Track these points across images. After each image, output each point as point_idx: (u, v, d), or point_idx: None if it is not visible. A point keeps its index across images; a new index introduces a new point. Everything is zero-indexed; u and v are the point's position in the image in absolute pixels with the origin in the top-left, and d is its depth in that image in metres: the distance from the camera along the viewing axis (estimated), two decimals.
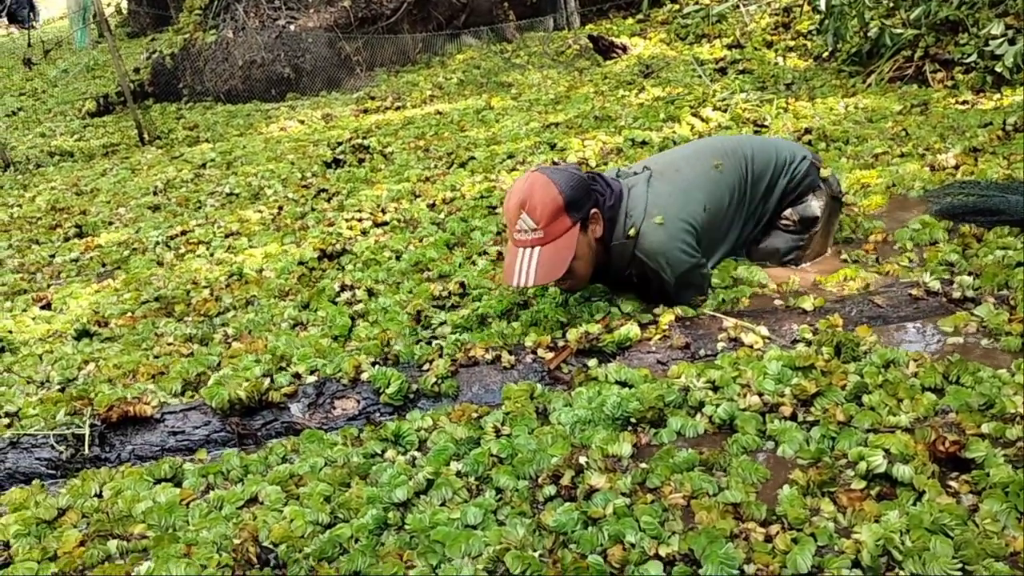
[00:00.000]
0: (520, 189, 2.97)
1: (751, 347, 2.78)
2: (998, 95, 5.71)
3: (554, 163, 5.03)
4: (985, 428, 2.18)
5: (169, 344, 3.48)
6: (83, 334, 3.71)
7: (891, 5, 6.89)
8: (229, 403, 2.73)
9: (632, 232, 3.05)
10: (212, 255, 4.63)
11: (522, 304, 3.37)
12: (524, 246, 2.97)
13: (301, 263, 4.19)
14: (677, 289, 3.10)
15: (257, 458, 2.56)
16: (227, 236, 4.94)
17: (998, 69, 5.80)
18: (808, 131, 5.21)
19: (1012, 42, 5.81)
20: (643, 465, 2.25)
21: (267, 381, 2.82)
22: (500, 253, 3.96)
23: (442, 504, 2.23)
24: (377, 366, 2.90)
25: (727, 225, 3.33)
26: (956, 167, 4.28)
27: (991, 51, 5.90)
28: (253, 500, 2.36)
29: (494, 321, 3.25)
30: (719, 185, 3.22)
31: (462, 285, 3.59)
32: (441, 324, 3.30)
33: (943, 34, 6.53)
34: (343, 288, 3.80)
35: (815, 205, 3.41)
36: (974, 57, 6.04)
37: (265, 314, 3.67)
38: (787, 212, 3.43)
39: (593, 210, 3.03)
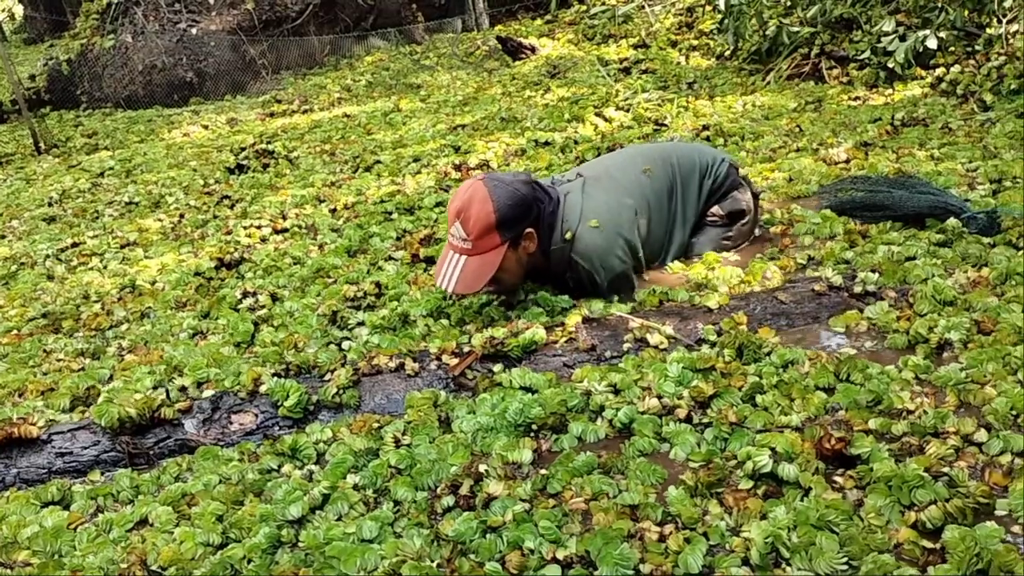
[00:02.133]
0: (461, 196, 3.03)
1: (656, 348, 2.79)
2: (891, 90, 5.89)
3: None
4: (872, 424, 2.22)
5: (59, 360, 3.34)
6: None
7: (788, 4, 7.07)
8: (119, 421, 2.62)
9: (568, 235, 3.14)
10: (105, 267, 4.48)
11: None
12: (454, 251, 3.05)
13: (198, 273, 4.08)
14: (609, 292, 3.19)
15: (149, 478, 2.47)
16: (122, 247, 4.79)
17: (890, 65, 5.99)
18: (706, 128, 5.29)
19: (903, 38, 6.00)
20: (543, 471, 2.24)
21: (160, 397, 2.73)
22: (415, 256, 3.91)
23: (338, 519, 2.17)
24: (277, 378, 2.83)
25: (668, 228, 3.45)
26: (847, 161, 4.39)
27: (883, 47, 6.09)
28: (143, 522, 2.28)
29: (419, 319, 3.21)
30: (650, 190, 3.35)
31: (377, 285, 3.55)
32: (358, 324, 3.26)
33: (838, 31, 6.73)
34: (245, 295, 3.71)
35: (741, 199, 3.56)
36: (867, 54, 6.23)
37: (162, 325, 3.56)
38: (714, 208, 3.56)
39: (528, 229, 3.09)
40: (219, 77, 10.57)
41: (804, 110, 5.74)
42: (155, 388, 2.83)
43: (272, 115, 8.67)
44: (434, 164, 5.49)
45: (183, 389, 2.83)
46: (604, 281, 3.17)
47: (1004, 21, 5.88)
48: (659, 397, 2.46)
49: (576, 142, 5.42)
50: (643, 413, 2.42)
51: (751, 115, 5.76)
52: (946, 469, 1.98)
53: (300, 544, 2.09)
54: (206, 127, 8.45)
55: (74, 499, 2.42)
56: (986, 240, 3.22)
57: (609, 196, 3.25)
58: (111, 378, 3.10)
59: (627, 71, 7.99)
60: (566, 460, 2.26)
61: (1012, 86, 5.21)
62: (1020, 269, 2.90)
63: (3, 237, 5.47)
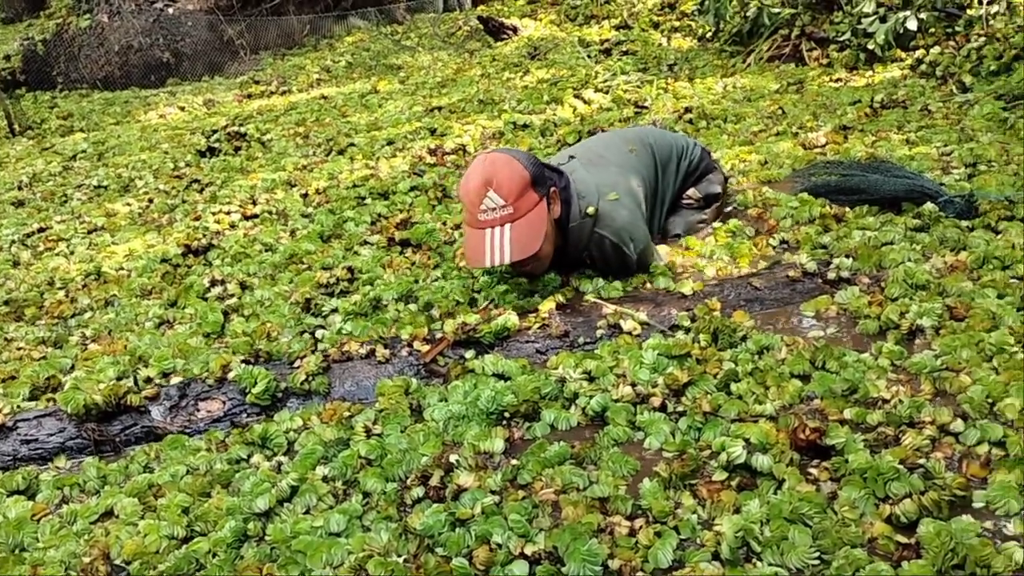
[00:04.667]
0: (481, 170, 2.90)
1: (630, 334, 2.75)
2: (870, 72, 5.85)
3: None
4: (847, 413, 2.18)
5: (19, 348, 3.26)
6: None
7: None
8: (85, 408, 2.57)
9: (591, 211, 3.06)
10: (72, 253, 4.38)
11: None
12: (492, 225, 2.88)
13: (164, 260, 3.98)
14: (638, 266, 3.13)
15: (117, 467, 2.42)
16: (89, 232, 4.69)
17: (870, 47, 5.96)
18: (688, 110, 5.24)
19: (883, 20, 5.97)
20: (514, 461, 2.20)
21: (126, 384, 2.67)
22: (391, 239, 3.83)
23: (306, 512, 2.13)
24: (245, 365, 2.77)
25: (648, 209, 3.40)
26: (824, 145, 4.36)
27: (864, 29, 6.06)
28: (108, 513, 2.24)
29: (391, 304, 3.15)
30: (638, 168, 3.33)
31: (350, 270, 3.48)
32: (332, 312, 3.19)
33: (818, 13, 6.69)
34: (213, 283, 3.63)
35: (715, 182, 3.60)
36: (848, 35, 6.19)
37: (127, 314, 3.47)
38: (690, 192, 3.58)
39: (552, 188, 3.02)
40: (196, 58, 10.43)
41: (786, 91, 5.70)
42: (119, 379, 2.76)
43: (250, 96, 8.56)
44: (409, 147, 5.42)
45: (148, 380, 2.77)
46: (634, 253, 3.08)
47: (984, 2, 5.85)
48: (633, 385, 2.43)
49: (556, 124, 5.36)
50: (617, 401, 2.39)
51: (732, 96, 5.71)
52: (922, 460, 1.95)
53: (267, 538, 2.05)
54: (183, 108, 8.33)
55: (40, 488, 2.38)
56: (964, 224, 3.19)
57: (610, 171, 3.21)
58: (73, 368, 3.03)
59: (608, 52, 7.92)
60: (538, 450, 2.22)
61: (991, 67, 5.19)
62: (998, 253, 2.87)
63: None
